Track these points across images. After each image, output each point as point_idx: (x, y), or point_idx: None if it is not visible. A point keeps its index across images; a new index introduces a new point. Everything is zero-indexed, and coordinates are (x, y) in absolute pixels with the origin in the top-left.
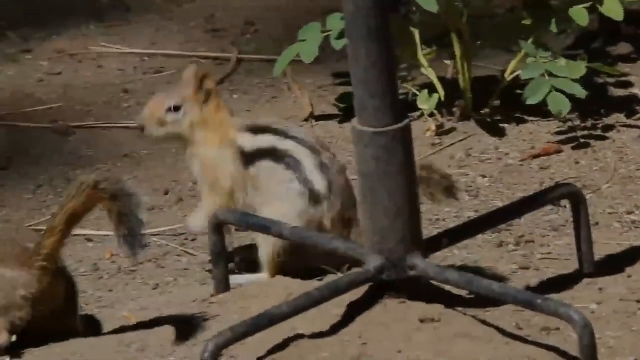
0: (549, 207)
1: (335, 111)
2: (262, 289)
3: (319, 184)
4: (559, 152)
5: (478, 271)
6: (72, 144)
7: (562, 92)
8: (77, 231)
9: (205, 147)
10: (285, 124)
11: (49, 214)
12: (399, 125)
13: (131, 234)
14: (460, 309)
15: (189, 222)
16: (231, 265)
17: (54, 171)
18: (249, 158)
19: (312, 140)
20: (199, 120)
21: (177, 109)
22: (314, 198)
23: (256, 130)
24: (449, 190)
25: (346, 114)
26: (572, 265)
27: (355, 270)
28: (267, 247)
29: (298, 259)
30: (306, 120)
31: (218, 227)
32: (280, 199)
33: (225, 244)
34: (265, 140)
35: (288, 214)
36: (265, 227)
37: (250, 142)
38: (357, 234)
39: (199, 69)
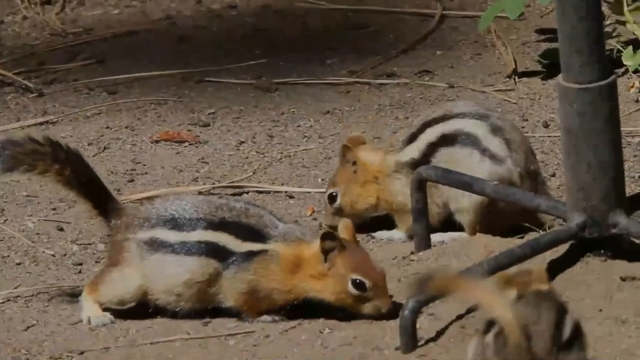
0: None
1: (538, 68)
2: (462, 247)
3: (497, 146)
4: None
5: None
6: (275, 100)
7: None
8: (278, 187)
9: (381, 191)
10: (439, 109)
11: (251, 170)
12: (605, 81)
13: None
14: None
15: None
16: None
17: (257, 127)
18: (423, 160)
19: (475, 108)
20: (356, 192)
21: (333, 198)
22: (496, 161)
23: (411, 138)
24: None
25: (550, 71)
26: None
27: (557, 227)
28: (467, 205)
29: (495, 218)
30: (509, 76)
31: (420, 184)
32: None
33: (427, 201)
34: (429, 135)
35: None
36: (468, 183)
37: (413, 149)
38: (543, 186)
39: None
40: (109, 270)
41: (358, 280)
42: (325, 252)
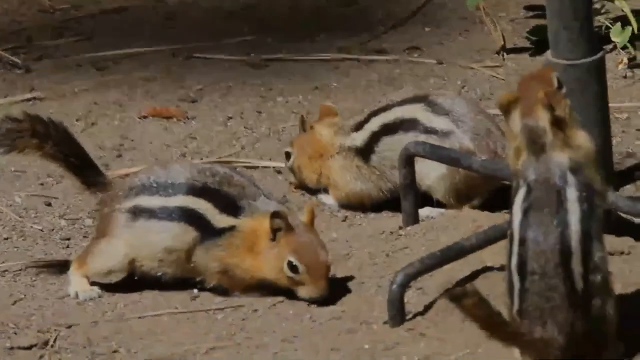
0: None
1: (527, 44)
2: (450, 222)
3: (439, 122)
4: None
5: None
6: (263, 76)
7: None
8: (266, 163)
9: (324, 167)
10: (385, 99)
11: (240, 145)
12: (594, 57)
13: None
14: None
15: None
16: None
17: (245, 103)
18: (366, 148)
19: (411, 94)
20: (304, 161)
21: (287, 156)
22: (443, 135)
23: (358, 126)
24: None
25: (538, 47)
26: None
27: None
28: (434, 180)
29: (470, 187)
30: (497, 53)
31: (408, 160)
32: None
33: (414, 177)
34: (373, 125)
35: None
36: (455, 159)
37: (358, 137)
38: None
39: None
40: (96, 242)
41: (293, 263)
42: (274, 231)
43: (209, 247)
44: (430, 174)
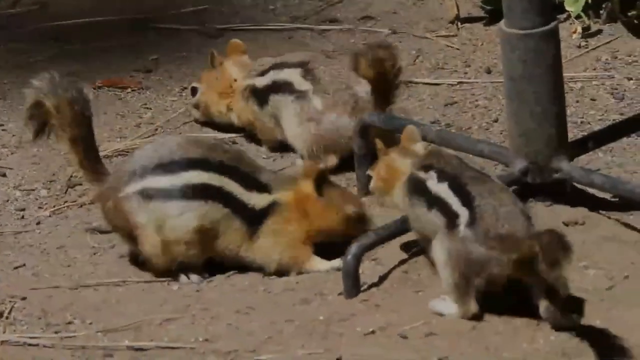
0: None
1: (481, 13)
2: None
3: (304, 85)
4: None
5: (622, 174)
6: (218, 46)
7: None
8: (223, 134)
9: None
10: (289, 56)
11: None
12: (547, 27)
13: None
14: (604, 212)
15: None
16: None
17: (200, 73)
18: (262, 95)
19: (299, 57)
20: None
21: (194, 92)
22: (302, 98)
23: (263, 72)
24: None
25: (492, 16)
26: None
27: (499, 172)
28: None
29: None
30: (451, 22)
31: (364, 130)
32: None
33: (370, 148)
34: (267, 79)
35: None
36: None
37: (260, 81)
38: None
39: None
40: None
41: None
42: (318, 187)
43: (259, 234)
44: (289, 130)
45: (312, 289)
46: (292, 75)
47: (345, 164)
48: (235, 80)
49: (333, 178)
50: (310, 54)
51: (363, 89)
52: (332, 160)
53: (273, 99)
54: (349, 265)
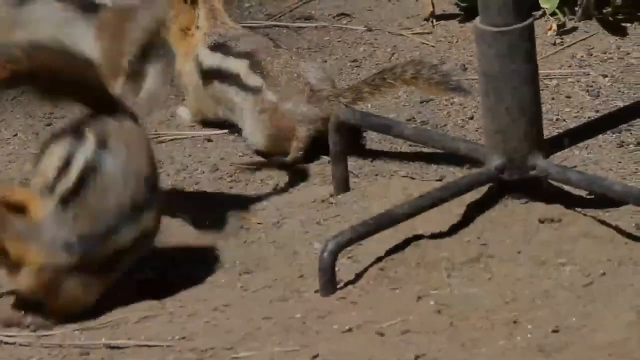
0: None
1: (456, 10)
2: (382, 189)
3: (255, 80)
4: None
5: (598, 171)
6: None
7: None
8: (196, 132)
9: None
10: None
11: (169, 113)
12: (523, 23)
13: None
14: (580, 209)
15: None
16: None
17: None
18: (210, 73)
19: (262, 44)
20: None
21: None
22: (255, 91)
23: (212, 48)
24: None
25: (468, 13)
26: None
27: (476, 170)
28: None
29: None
30: (427, 19)
31: (339, 127)
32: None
33: (345, 144)
34: (214, 60)
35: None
36: (386, 126)
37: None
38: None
39: None
40: None
41: None
42: None
43: None
44: (246, 127)
45: (289, 287)
46: (240, 67)
47: (320, 161)
48: (198, 27)
49: (306, 175)
50: (258, 40)
51: (314, 75)
52: (295, 151)
53: (220, 87)
54: (325, 262)
